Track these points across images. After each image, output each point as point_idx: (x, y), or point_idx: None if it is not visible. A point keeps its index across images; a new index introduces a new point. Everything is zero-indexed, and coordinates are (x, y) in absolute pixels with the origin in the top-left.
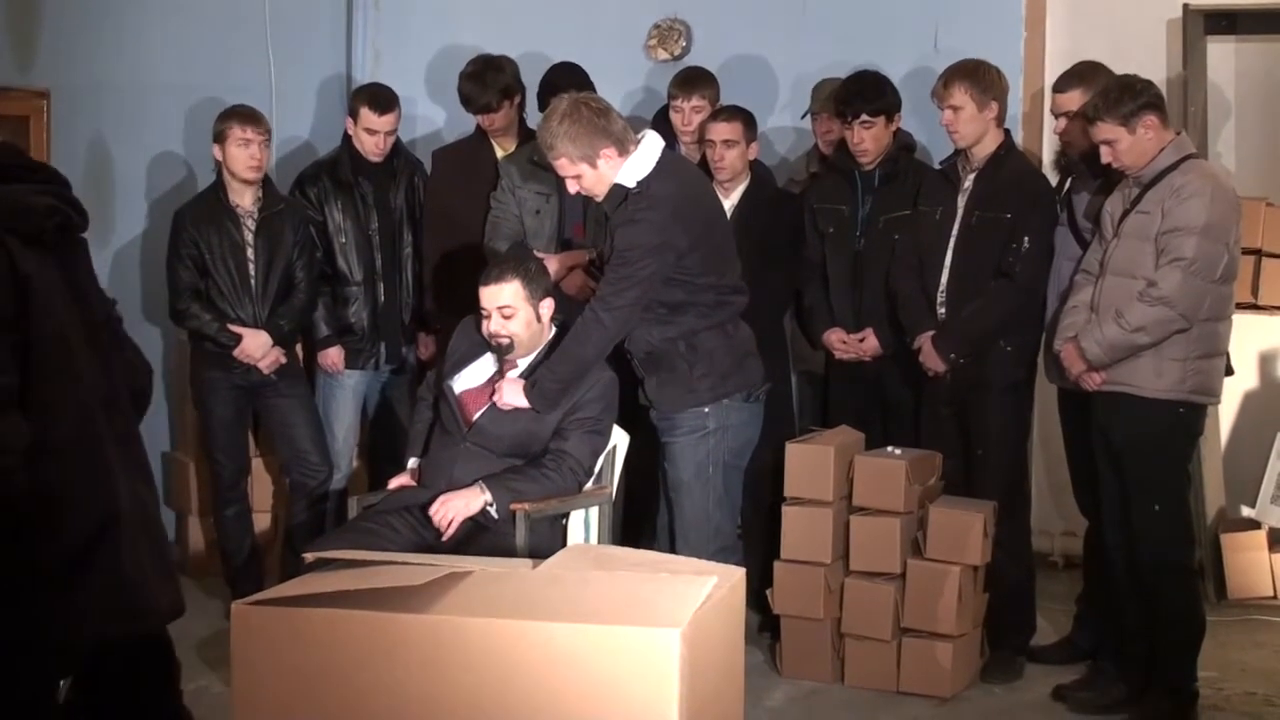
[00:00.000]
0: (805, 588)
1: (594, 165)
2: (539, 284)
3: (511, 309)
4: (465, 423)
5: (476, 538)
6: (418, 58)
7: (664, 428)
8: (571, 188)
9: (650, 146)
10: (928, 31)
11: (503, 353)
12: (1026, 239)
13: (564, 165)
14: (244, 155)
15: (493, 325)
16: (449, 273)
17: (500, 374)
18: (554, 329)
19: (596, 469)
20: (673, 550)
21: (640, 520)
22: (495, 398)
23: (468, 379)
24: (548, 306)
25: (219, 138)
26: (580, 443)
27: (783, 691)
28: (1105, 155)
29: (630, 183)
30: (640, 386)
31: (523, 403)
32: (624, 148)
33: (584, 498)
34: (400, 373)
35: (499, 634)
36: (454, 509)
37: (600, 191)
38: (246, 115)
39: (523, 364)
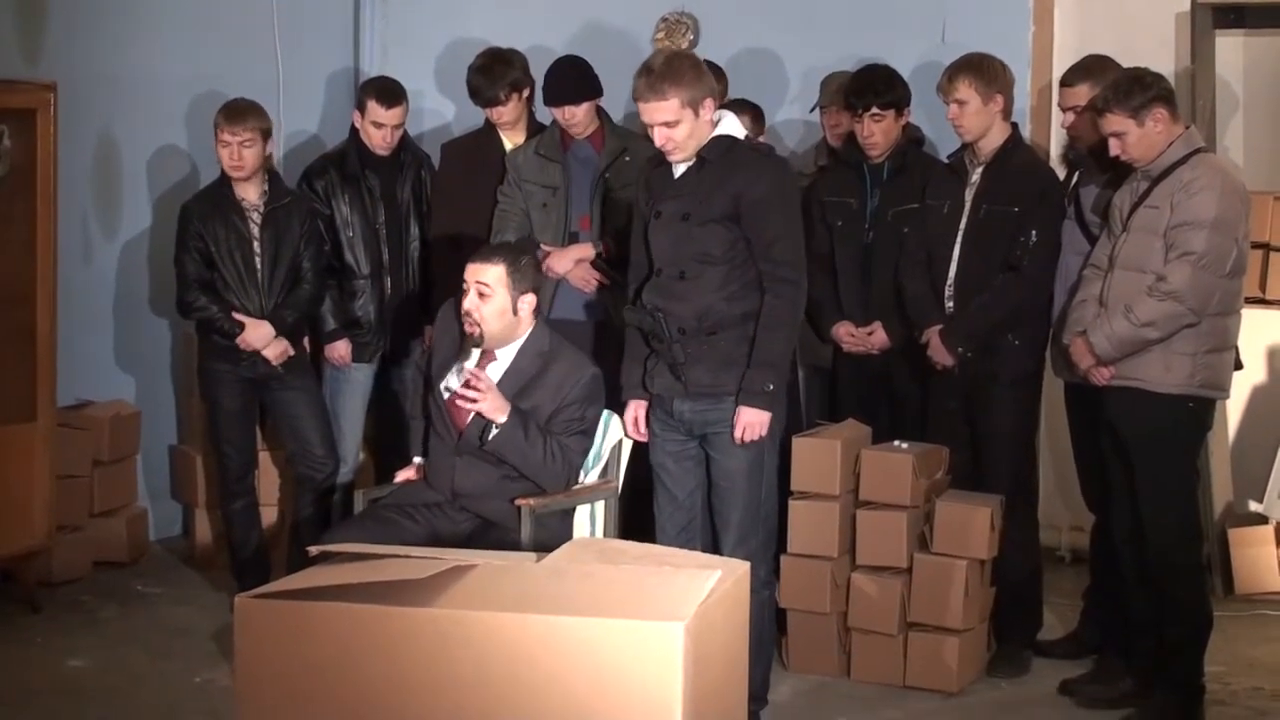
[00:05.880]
0: (812, 582)
1: (697, 115)
2: (525, 277)
3: (489, 289)
4: (455, 430)
5: (483, 533)
6: (425, 51)
7: (708, 418)
8: (659, 138)
9: (732, 118)
10: (935, 25)
11: (472, 342)
12: (1034, 233)
13: (669, 109)
14: (224, 155)
15: (467, 301)
16: (456, 266)
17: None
18: (533, 324)
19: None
20: (715, 549)
21: (644, 514)
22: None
23: (453, 381)
24: (528, 302)
25: (215, 131)
26: (575, 442)
27: (789, 685)
28: (1114, 148)
29: (739, 134)
30: (673, 373)
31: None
32: (715, 107)
33: (589, 492)
34: (407, 366)
35: (503, 627)
36: (482, 397)
37: (689, 148)
38: (232, 113)
39: (501, 354)
